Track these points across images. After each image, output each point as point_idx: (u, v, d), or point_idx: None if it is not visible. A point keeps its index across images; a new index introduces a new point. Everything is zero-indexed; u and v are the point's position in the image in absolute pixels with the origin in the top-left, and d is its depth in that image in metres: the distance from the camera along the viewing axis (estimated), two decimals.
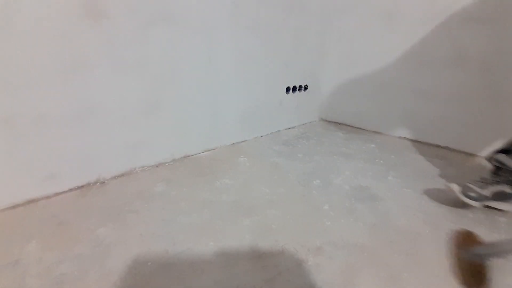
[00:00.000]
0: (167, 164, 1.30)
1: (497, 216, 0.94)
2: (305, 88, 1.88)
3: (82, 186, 1.09)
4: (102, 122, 1.08)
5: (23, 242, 0.79)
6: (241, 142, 1.60)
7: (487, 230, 0.87)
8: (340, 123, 1.99)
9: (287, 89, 1.76)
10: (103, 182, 1.13)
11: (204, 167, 1.28)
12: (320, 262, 0.74)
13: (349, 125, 1.94)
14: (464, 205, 0.96)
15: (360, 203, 1.01)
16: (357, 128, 1.88)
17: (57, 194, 1.03)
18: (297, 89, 1.82)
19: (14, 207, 0.96)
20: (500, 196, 0.93)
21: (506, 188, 0.93)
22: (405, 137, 1.67)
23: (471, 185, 0.95)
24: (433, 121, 1.54)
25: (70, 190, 1.06)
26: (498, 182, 0.94)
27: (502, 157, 0.94)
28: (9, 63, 0.86)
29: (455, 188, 0.96)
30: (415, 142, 1.62)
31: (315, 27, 1.76)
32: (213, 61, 1.33)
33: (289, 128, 1.87)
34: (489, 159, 1.00)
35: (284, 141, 1.63)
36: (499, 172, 0.96)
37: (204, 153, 1.44)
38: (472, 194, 0.93)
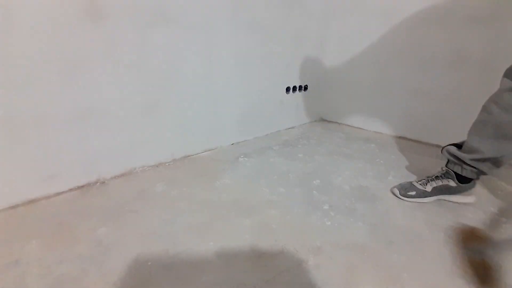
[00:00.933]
0: (167, 164, 1.30)
1: (497, 216, 0.94)
2: (305, 88, 1.88)
3: (82, 186, 1.09)
4: (102, 122, 1.08)
5: (23, 242, 0.79)
6: (241, 142, 1.60)
7: (487, 230, 0.87)
8: (340, 123, 1.99)
9: (287, 89, 1.76)
10: (103, 182, 1.13)
11: (204, 167, 1.28)
12: (320, 262, 0.74)
13: (349, 125, 1.94)
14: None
15: (360, 203, 1.01)
16: (357, 128, 1.88)
17: (57, 194, 1.04)
18: (297, 89, 1.82)
19: (14, 207, 0.96)
20: (444, 191, 1.00)
21: (450, 183, 0.99)
22: (405, 137, 1.67)
23: (413, 183, 1.03)
24: (433, 121, 1.54)
25: (70, 190, 1.06)
26: (443, 177, 1.01)
27: (452, 149, 1.00)
28: (9, 63, 0.86)
29: (395, 191, 1.05)
30: (415, 142, 1.62)
31: (315, 27, 1.76)
32: (213, 61, 1.33)
33: (289, 128, 1.87)
34: (441, 150, 1.05)
35: (284, 141, 1.63)
36: (447, 165, 1.02)
37: (204, 153, 1.44)
38: (411, 193, 1.01)
